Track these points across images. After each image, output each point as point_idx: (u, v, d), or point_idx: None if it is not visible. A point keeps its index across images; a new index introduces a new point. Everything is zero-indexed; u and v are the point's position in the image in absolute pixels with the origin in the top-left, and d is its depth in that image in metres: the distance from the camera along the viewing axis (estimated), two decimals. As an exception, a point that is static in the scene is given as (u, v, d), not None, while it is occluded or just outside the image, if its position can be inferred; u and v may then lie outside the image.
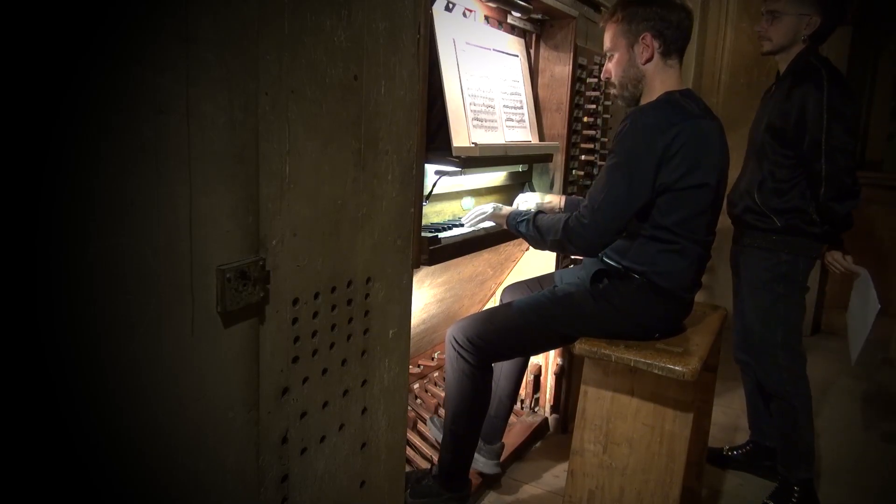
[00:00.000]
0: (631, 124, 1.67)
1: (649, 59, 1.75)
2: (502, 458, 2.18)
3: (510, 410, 2.20)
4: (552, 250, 1.89)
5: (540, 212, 1.88)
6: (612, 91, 1.88)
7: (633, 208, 1.67)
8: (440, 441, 2.16)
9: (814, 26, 2.08)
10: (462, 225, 1.90)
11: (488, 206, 1.93)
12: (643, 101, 1.81)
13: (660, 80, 1.77)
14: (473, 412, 1.90)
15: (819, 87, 2.01)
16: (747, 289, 2.25)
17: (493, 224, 1.94)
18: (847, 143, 2.01)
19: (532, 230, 1.81)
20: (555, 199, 2.15)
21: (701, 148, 1.66)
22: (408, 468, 1.92)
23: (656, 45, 1.73)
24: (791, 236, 2.13)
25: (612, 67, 1.83)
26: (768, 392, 2.24)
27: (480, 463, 2.09)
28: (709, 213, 1.75)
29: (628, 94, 1.83)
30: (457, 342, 1.88)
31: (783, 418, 2.20)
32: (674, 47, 1.75)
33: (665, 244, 1.71)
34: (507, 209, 1.91)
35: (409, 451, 2.12)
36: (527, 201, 2.15)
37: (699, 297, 1.92)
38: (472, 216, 1.92)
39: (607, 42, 1.83)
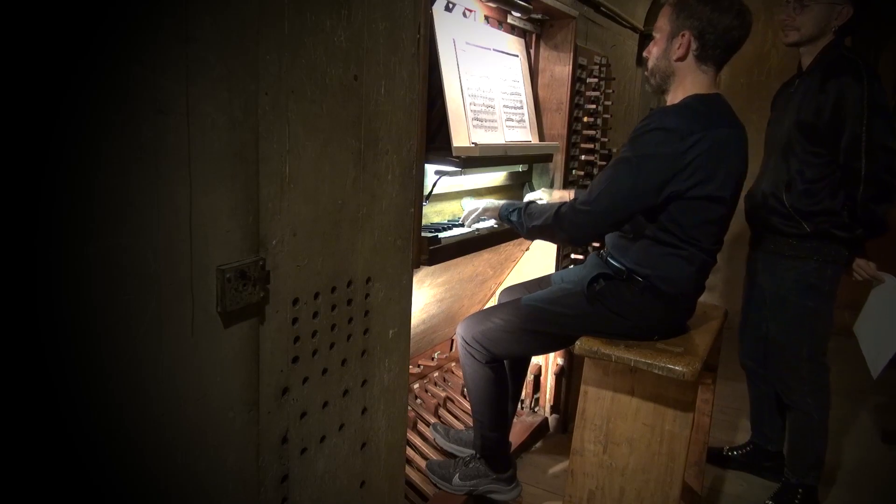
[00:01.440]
0: (651, 123, 1.62)
1: (682, 58, 1.68)
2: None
3: (513, 412, 2.20)
4: (542, 237, 1.87)
5: (532, 202, 1.87)
6: (645, 73, 1.81)
7: (632, 206, 1.64)
8: (443, 447, 2.18)
9: (845, 17, 1.95)
10: (462, 225, 1.90)
11: (480, 202, 1.93)
12: (669, 98, 1.76)
13: (689, 83, 1.70)
14: (493, 400, 1.95)
15: (859, 80, 1.88)
16: (772, 300, 2.13)
17: (493, 224, 1.94)
18: (889, 139, 1.88)
19: (523, 218, 1.80)
20: (564, 194, 2.14)
21: (718, 159, 1.60)
22: (407, 468, 1.92)
23: (693, 46, 1.65)
24: (820, 242, 2.00)
25: (651, 49, 1.76)
26: (786, 403, 2.17)
27: (505, 492, 2.06)
28: (719, 223, 1.70)
29: (654, 83, 1.77)
30: (465, 341, 1.92)
31: (798, 429, 2.14)
32: (712, 54, 1.66)
33: (670, 248, 1.68)
34: (499, 202, 1.91)
35: (409, 451, 2.11)
36: (534, 196, 2.16)
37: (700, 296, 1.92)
38: (469, 215, 1.92)
39: (658, 22, 1.75)
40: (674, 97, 1.74)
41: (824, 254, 2.01)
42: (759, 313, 2.22)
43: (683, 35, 1.66)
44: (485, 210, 1.91)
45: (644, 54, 1.80)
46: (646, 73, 1.80)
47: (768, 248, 2.13)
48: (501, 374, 1.95)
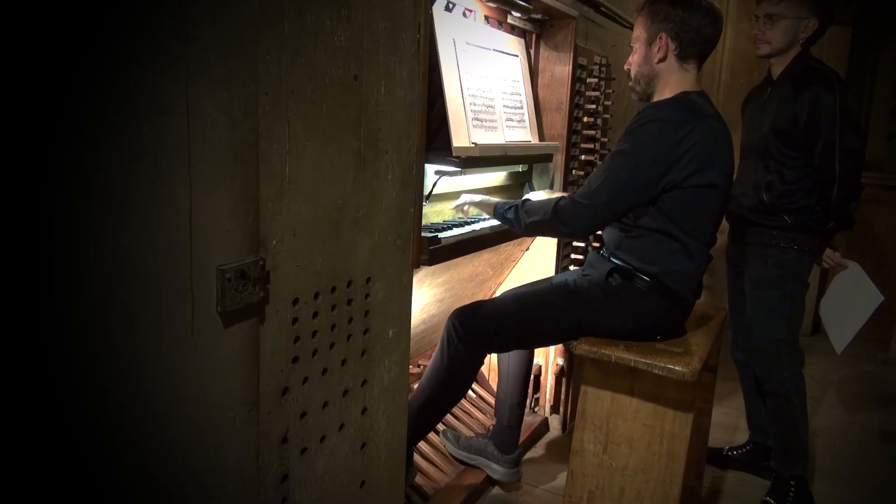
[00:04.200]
0: (647, 116, 1.67)
1: (663, 59, 1.75)
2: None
3: (521, 418, 2.19)
4: (540, 233, 1.88)
5: (527, 199, 1.88)
6: (629, 83, 1.89)
7: (630, 198, 1.67)
8: (454, 454, 2.18)
9: (811, 29, 2.10)
10: (462, 225, 1.89)
11: (472, 196, 1.92)
12: (655, 100, 1.81)
13: (674, 81, 1.77)
14: (446, 401, 1.89)
15: (830, 89, 2.02)
16: (754, 287, 2.24)
17: (492, 223, 1.93)
18: (858, 144, 2.05)
19: (521, 214, 1.79)
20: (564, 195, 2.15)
21: (713, 148, 1.66)
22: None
23: (672, 46, 1.73)
24: (799, 233, 2.14)
25: (631, 60, 1.84)
26: (767, 390, 2.25)
27: (500, 473, 2.10)
28: (717, 213, 1.75)
29: (640, 90, 1.84)
30: (459, 325, 1.83)
31: (781, 416, 2.22)
32: (691, 51, 1.74)
33: (675, 243, 1.70)
34: (494, 200, 1.90)
35: (409, 451, 2.11)
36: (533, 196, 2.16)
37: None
38: (462, 204, 1.91)
39: (633, 33, 1.83)
40: (660, 98, 1.79)
41: (802, 243, 2.16)
42: (744, 303, 2.31)
43: (661, 38, 1.73)
44: (480, 203, 1.90)
45: (625, 66, 1.88)
46: (630, 83, 1.87)
47: (750, 241, 2.25)
48: (471, 377, 1.89)
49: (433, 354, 1.92)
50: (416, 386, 1.95)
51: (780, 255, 2.17)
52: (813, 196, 2.11)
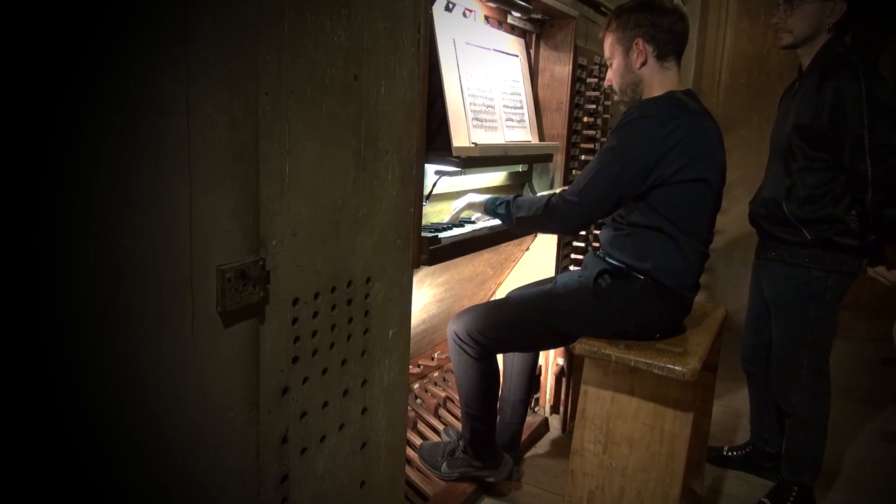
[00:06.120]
0: (633, 113, 1.70)
1: (644, 63, 1.78)
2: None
3: (525, 415, 2.20)
4: (532, 229, 1.90)
5: (518, 194, 1.89)
6: (615, 97, 1.91)
7: (620, 194, 1.69)
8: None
9: (839, 13, 1.89)
10: (462, 225, 1.90)
11: (462, 200, 1.92)
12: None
13: (658, 82, 1.79)
14: (484, 394, 1.94)
15: (856, 77, 1.81)
16: (774, 309, 2.10)
17: (492, 223, 1.93)
18: (894, 139, 1.79)
19: (512, 209, 1.81)
20: None
21: (700, 143, 1.67)
22: (407, 468, 1.92)
23: (650, 49, 1.76)
24: (822, 250, 1.94)
25: (611, 75, 1.86)
26: (783, 407, 2.16)
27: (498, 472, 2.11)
28: (709, 209, 1.76)
29: (628, 99, 1.85)
30: (458, 337, 1.90)
31: (795, 433, 2.13)
32: (668, 49, 1.77)
33: (667, 240, 1.71)
34: (483, 196, 1.91)
35: (409, 451, 2.11)
36: None
37: (699, 296, 1.92)
38: (453, 212, 1.93)
39: (606, 51, 1.86)
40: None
41: (826, 263, 1.95)
42: (762, 320, 2.22)
43: (637, 44, 1.77)
44: (469, 205, 1.90)
45: (606, 84, 1.90)
46: (616, 97, 1.90)
47: (770, 256, 2.09)
48: (493, 367, 1.95)
49: (452, 362, 1.98)
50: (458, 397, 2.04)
51: (802, 276, 1.97)
52: (841, 204, 1.89)
